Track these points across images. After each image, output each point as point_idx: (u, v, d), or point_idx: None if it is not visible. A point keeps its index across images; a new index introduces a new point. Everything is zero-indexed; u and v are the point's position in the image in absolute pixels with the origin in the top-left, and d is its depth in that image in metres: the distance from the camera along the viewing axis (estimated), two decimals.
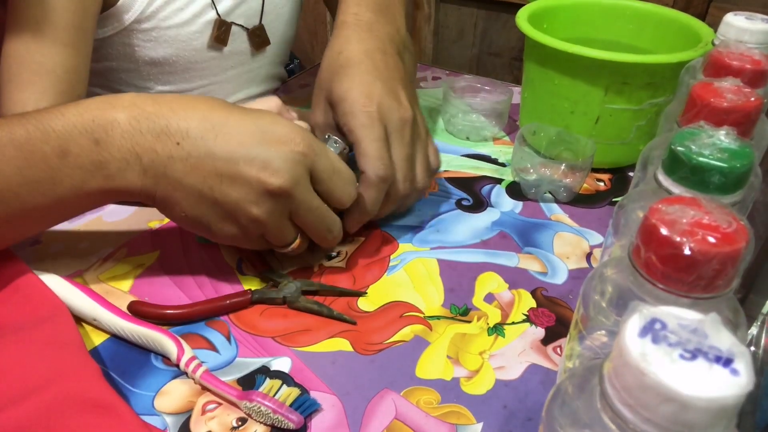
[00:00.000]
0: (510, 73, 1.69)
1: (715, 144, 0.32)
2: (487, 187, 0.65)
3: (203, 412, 0.41)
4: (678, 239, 0.24)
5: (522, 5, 0.70)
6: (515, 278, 0.53)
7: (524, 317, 0.49)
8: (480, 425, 0.40)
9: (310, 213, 0.46)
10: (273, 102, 0.56)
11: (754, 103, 0.36)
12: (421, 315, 0.49)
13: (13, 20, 0.56)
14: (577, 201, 0.63)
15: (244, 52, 0.74)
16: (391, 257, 0.55)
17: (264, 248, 0.49)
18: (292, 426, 0.39)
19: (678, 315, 0.21)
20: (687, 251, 0.24)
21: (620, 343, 0.20)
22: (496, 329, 0.48)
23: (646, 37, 0.71)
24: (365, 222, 0.53)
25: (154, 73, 0.70)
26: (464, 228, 0.59)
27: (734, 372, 0.19)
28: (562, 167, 0.62)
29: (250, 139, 0.43)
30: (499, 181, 0.66)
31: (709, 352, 0.19)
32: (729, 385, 0.19)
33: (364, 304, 0.50)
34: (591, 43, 0.60)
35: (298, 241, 0.48)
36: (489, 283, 0.52)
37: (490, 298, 0.51)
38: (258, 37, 0.74)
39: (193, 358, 0.42)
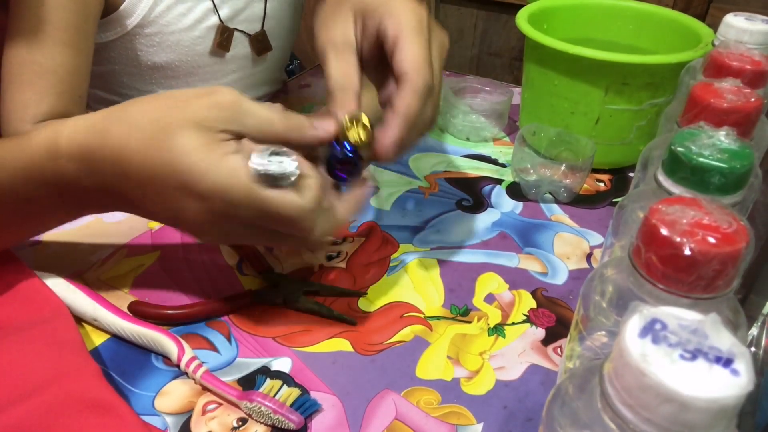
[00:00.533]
0: (510, 73, 1.69)
1: (715, 144, 0.32)
2: (487, 188, 0.65)
3: (203, 412, 0.41)
4: (678, 239, 0.24)
5: (522, 6, 0.70)
6: (515, 279, 0.53)
7: (524, 318, 0.49)
8: (480, 425, 0.40)
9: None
10: (267, 104, 0.56)
11: (754, 104, 0.36)
12: (422, 315, 0.49)
13: (14, 21, 0.56)
14: (578, 201, 0.63)
15: (245, 57, 0.74)
16: (392, 257, 0.55)
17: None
18: (292, 426, 0.39)
19: (678, 315, 0.21)
20: (687, 251, 0.24)
21: (620, 344, 0.20)
22: (497, 330, 0.48)
23: (646, 38, 0.71)
24: (403, 146, 0.43)
25: (157, 77, 0.70)
26: (464, 228, 0.59)
27: (734, 372, 0.19)
28: (562, 168, 0.62)
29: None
30: (499, 181, 0.66)
31: (710, 352, 0.19)
32: (729, 385, 0.19)
33: (365, 304, 0.50)
34: (591, 43, 0.60)
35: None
36: (489, 283, 0.52)
37: (490, 298, 0.51)
38: (260, 43, 0.74)
39: (194, 358, 0.42)
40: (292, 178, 0.36)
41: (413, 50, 0.42)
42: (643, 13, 0.72)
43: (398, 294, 0.51)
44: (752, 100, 0.36)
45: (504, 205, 0.63)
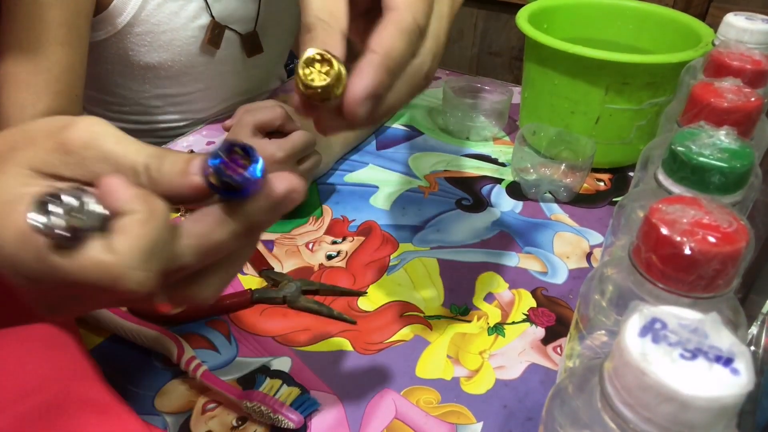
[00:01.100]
0: (510, 73, 1.69)
1: (715, 144, 0.32)
2: (487, 187, 0.65)
3: (203, 411, 0.41)
4: (678, 239, 0.24)
5: (522, 5, 0.70)
6: (515, 278, 0.53)
7: (524, 317, 0.49)
8: (480, 425, 0.40)
9: None
10: (270, 103, 0.56)
11: (754, 104, 0.36)
12: (421, 315, 0.49)
13: (7, 22, 0.56)
14: (577, 201, 0.63)
15: (237, 57, 0.74)
16: (391, 257, 0.55)
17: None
18: (292, 426, 0.39)
19: (678, 315, 0.21)
20: (687, 251, 0.24)
21: (620, 343, 0.20)
22: (496, 329, 0.48)
23: (646, 37, 0.71)
24: (375, 104, 0.31)
25: (149, 77, 0.70)
26: (464, 228, 0.59)
27: (734, 372, 0.19)
28: (562, 167, 0.62)
29: None
30: (499, 181, 0.66)
31: (710, 351, 0.19)
32: (729, 384, 0.19)
33: (364, 303, 0.50)
34: (591, 43, 0.60)
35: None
36: (489, 282, 0.52)
37: (490, 297, 0.51)
38: (251, 44, 0.74)
39: (193, 357, 0.42)
40: (85, 230, 0.24)
41: None
42: (643, 12, 0.72)
43: (398, 293, 0.51)
44: (752, 99, 0.36)
45: (504, 204, 0.63)
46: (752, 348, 0.39)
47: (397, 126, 0.77)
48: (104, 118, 0.46)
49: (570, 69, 0.62)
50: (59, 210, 0.23)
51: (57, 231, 0.23)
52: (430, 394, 0.42)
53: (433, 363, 0.45)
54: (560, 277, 0.53)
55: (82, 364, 0.40)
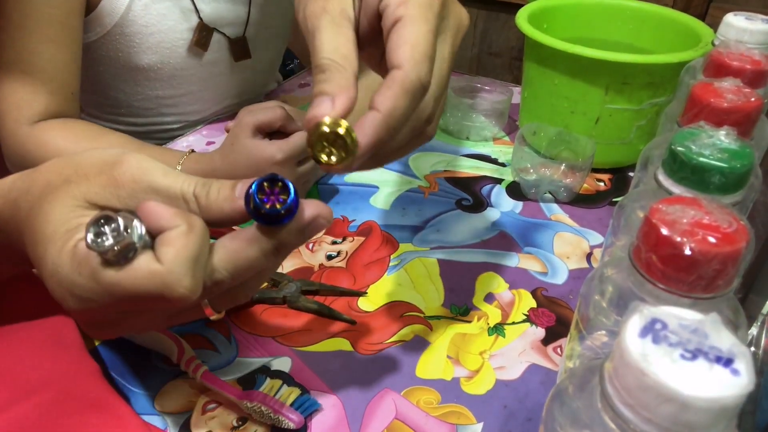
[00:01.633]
0: (510, 73, 1.69)
1: (715, 144, 0.32)
2: (487, 187, 0.65)
3: (203, 411, 0.41)
4: (678, 239, 0.24)
5: (522, 5, 0.70)
6: (515, 278, 0.53)
7: (524, 317, 0.49)
8: (480, 425, 0.40)
9: None
10: (272, 104, 0.56)
11: (754, 104, 0.36)
12: (422, 315, 0.49)
13: (1, 23, 0.57)
14: (577, 201, 0.63)
15: (225, 61, 0.74)
16: (391, 257, 0.55)
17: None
18: (292, 426, 0.39)
19: (678, 315, 0.21)
20: (687, 251, 0.24)
21: (621, 343, 0.20)
22: (497, 329, 0.48)
23: (646, 37, 0.71)
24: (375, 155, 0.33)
25: (141, 79, 0.69)
26: (464, 228, 0.59)
27: (734, 372, 0.19)
28: (562, 167, 0.62)
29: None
30: (499, 181, 0.66)
31: (710, 352, 0.19)
32: (729, 385, 0.19)
33: (364, 304, 0.50)
34: (591, 43, 0.60)
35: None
36: (489, 283, 0.52)
37: (490, 298, 0.51)
38: (239, 48, 0.74)
39: (194, 357, 0.42)
40: (136, 246, 0.27)
41: (413, 35, 0.32)
42: (642, 12, 0.72)
43: (398, 293, 0.51)
44: (752, 99, 0.36)
45: (504, 204, 0.63)
46: (752, 348, 0.39)
47: None
48: (99, 120, 0.46)
49: (570, 69, 0.62)
50: (112, 230, 0.27)
51: (111, 248, 0.27)
52: (430, 395, 0.42)
53: (434, 363, 0.45)
54: (560, 278, 0.53)
55: (84, 364, 0.40)
